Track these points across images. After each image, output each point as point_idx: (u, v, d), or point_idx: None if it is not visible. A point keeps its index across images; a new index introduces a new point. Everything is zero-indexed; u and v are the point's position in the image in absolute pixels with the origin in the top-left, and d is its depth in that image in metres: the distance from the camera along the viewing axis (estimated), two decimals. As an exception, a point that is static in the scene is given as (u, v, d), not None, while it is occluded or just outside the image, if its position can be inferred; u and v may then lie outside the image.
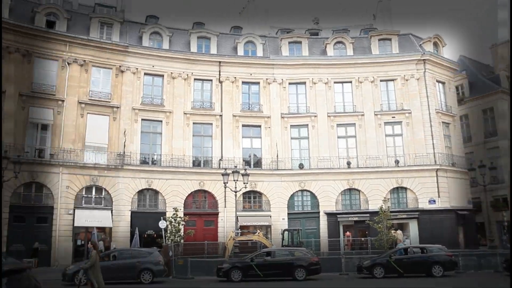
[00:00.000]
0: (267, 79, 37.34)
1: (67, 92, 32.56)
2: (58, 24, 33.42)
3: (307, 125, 36.83)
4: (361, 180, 35.38)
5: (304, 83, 37.65)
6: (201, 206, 34.76)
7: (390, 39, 38.61)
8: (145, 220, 32.01)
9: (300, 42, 38.66)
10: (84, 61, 33.37)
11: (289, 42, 38.61)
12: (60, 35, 32.86)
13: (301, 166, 35.92)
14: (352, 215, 34.80)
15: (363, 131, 36.44)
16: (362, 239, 32.42)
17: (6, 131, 29.85)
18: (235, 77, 36.89)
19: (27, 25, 32.05)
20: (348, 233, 34.48)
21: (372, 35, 39.01)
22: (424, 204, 34.57)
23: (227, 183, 28.36)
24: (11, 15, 31.89)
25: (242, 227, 32.15)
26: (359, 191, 35.64)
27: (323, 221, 34.97)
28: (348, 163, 35.83)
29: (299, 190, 35.78)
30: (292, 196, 35.71)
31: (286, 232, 31.82)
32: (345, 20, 48.76)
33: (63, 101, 32.34)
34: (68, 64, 32.90)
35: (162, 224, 28.64)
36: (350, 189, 35.77)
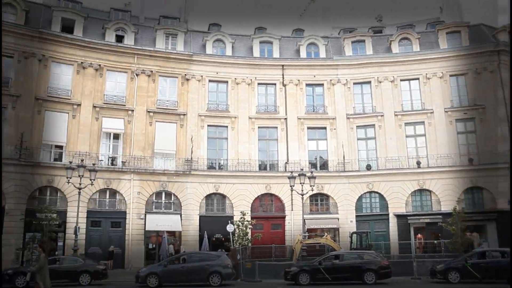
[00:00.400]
0: (331, 80, 36.86)
1: (136, 101, 33.93)
2: (126, 38, 34.97)
3: (374, 125, 35.92)
4: (432, 180, 33.88)
5: (369, 82, 36.79)
6: (268, 210, 34.85)
7: (459, 32, 36.75)
8: (213, 224, 32.57)
9: (363, 41, 37.85)
10: (151, 71, 34.63)
11: (352, 42, 37.91)
12: (128, 48, 34.40)
13: (368, 167, 35.08)
14: (424, 217, 33.43)
15: (433, 129, 34.92)
16: (435, 241, 30.96)
17: (82, 141, 31.75)
18: (298, 80, 36.74)
19: (98, 41, 33.84)
20: (419, 235, 33.12)
21: (440, 28, 37.32)
22: (503, 205, 32.22)
23: (293, 186, 28.28)
24: (84, 33, 33.91)
25: (309, 230, 31.86)
26: (430, 191, 34.15)
27: (393, 223, 33.87)
28: (418, 163, 34.51)
29: (367, 192, 34.91)
30: (360, 198, 34.92)
31: (354, 235, 31.14)
32: (409, 15, 47.08)
33: (132, 110, 33.71)
34: (137, 75, 34.28)
35: (230, 227, 29.02)
36: (420, 190, 34.35)
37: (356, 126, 36.15)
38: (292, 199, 33.28)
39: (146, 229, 31.87)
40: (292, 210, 33.85)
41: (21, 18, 32.17)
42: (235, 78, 36.20)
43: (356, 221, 34.27)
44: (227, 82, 36.30)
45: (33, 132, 30.83)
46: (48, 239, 26.86)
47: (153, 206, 33.01)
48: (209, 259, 22.46)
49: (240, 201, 33.66)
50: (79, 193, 26.70)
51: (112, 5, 38.98)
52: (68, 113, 32.35)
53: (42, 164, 30.69)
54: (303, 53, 37.82)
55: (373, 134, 35.92)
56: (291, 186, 28.44)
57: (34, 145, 30.61)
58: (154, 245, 32.35)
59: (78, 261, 22.99)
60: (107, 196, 32.29)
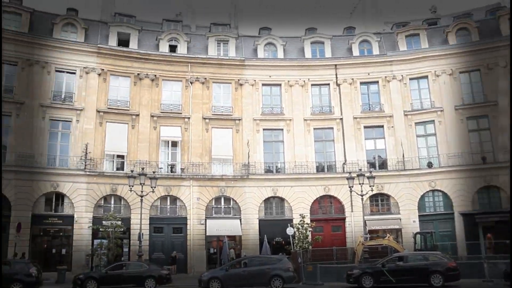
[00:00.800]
0: (386, 77, 35.98)
1: (192, 109, 34.59)
2: (179, 47, 35.79)
3: (433, 120, 34.63)
4: (500, 176, 32.11)
5: (426, 77, 35.55)
6: (328, 212, 34.44)
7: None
8: (273, 227, 32.59)
9: (417, 34, 36.64)
10: (205, 78, 35.20)
11: (406, 36, 36.81)
12: (181, 57, 35.20)
13: (429, 165, 33.88)
14: (493, 215, 31.58)
15: (496, 122, 33.14)
16: (507, 241, 29.28)
17: (142, 150, 32.74)
18: (352, 79, 36.13)
19: (153, 52, 34.89)
20: (489, 235, 31.51)
21: (501, 14, 35.14)
22: None
23: (352, 187, 27.81)
24: (139, 45, 35.08)
25: (370, 231, 31.14)
26: (498, 188, 32.39)
27: (459, 223, 32.42)
28: (483, 158, 32.89)
29: (430, 190, 33.67)
30: (422, 197, 33.73)
31: (418, 235, 30.14)
32: (466, 3, 45.10)
33: (189, 118, 34.39)
34: (191, 83, 34.96)
35: (289, 231, 28.91)
36: (487, 187, 32.64)
37: (415, 123, 35.00)
38: (351, 200, 32.72)
39: (207, 234, 32.40)
40: (352, 211, 33.27)
41: (81, 36, 33.74)
42: (288, 81, 36.10)
43: (419, 221, 33.10)
44: (280, 85, 36.27)
45: (96, 143, 32.15)
46: (114, 245, 27.85)
47: (213, 211, 33.47)
48: (270, 262, 22.51)
49: (299, 204, 33.47)
50: (141, 200, 27.50)
51: (164, 17, 40.00)
52: (127, 123, 33.46)
53: (106, 173, 31.94)
54: (355, 51, 37.17)
55: (433, 130, 34.65)
56: (350, 187, 27.95)
57: (98, 156, 31.91)
58: (215, 250, 32.79)
59: (143, 266, 23.71)
60: (168, 203, 33.09)
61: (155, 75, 34.54)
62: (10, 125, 30.53)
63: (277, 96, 36.37)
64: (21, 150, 30.09)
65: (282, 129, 35.58)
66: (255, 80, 35.93)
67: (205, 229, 32.44)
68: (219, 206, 33.72)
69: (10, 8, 32.38)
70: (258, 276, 21.63)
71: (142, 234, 27.93)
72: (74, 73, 32.99)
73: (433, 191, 33.67)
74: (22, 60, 31.52)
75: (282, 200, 34.11)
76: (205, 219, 32.72)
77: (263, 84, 36.20)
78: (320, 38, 37.54)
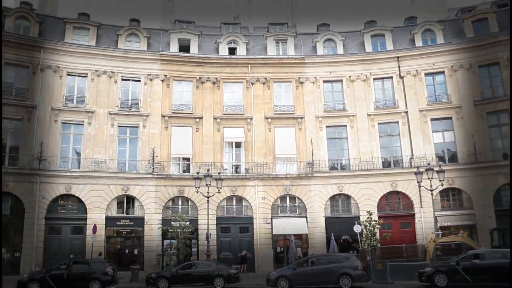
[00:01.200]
0: (452, 66, 34.40)
1: (254, 109, 34.84)
2: (238, 49, 36.20)
3: (506, 109, 32.62)
4: None
5: (497, 63, 33.58)
6: (396, 208, 33.43)
7: None
8: (340, 225, 32.19)
9: (485, 19, 34.60)
10: (266, 78, 35.35)
11: (473, 21, 34.94)
12: (241, 59, 35.56)
13: (505, 156, 31.89)
14: None
15: None
16: None
17: (207, 152, 33.39)
18: (416, 70, 34.86)
19: (213, 55, 35.54)
20: None
21: None
22: None
23: (421, 182, 26.94)
24: (199, 50, 35.85)
25: (442, 228, 29.87)
26: None
27: (542, 217, 30.41)
28: None
29: (506, 184, 31.70)
30: (498, 191, 31.86)
31: (495, 232, 28.55)
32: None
33: (251, 118, 34.67)
34: (252, 84, 35.23)
35: (357, 228, 28.43)
36: None
37: (486, 113, 33.12)
38: (420, 196, 31.66)
39: (273, 233, 32.52)
40: (421, 207, 32.14)
41: (144, 44, 34.99)
42: (349, 76, 35.47)
43: (496, 216, 31.32)
44: (341, 81, 35.72)
45: (162, 147, 33.19)
46: (183, 245, 28.60)
47: (279, 210, 33.51)
48: (337, 261, 22.26)
49: (366, 201, 32.78)
50: (208, 201, 28.06)
51: (222, 20, 40.60)
52: (191, 126, 34.27)
53: (173, 176, 32.88)
54: (418, 42, 35.79)
55: (507, 120, 32.64)
56: (418, 182, 27.06)
57: (164, 159, 32.91)
58: (282, 249, 32.80)
59: (212, 265, 24.18)
60: (234, 203, 33.53)
61: (216, 78, 35.12)
62: (83, 133, 32.23)
63: (338, 92, 35.83)
64: (94, 156, 31.66)
65: (345, 126, 34.99)
66: (315, 78, 35.60)
67: (271, 228, 32.58)
68: (284, 205, 33.72)
69: (79, 23, 34.24)
70: (326, 275, 21.47)
71: (210, 234, 28.50)
72: (139, 80, 34.27)
73: (510, 184, 31.70)
74: (91, 71, 33.17)
75: (348, 197, 33.57)
76: (271, 218, 32.84)
77: (324, 81, 35.80)
78: (380, 31, 36.57)
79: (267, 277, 22.52)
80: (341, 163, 34.70)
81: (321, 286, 21.30)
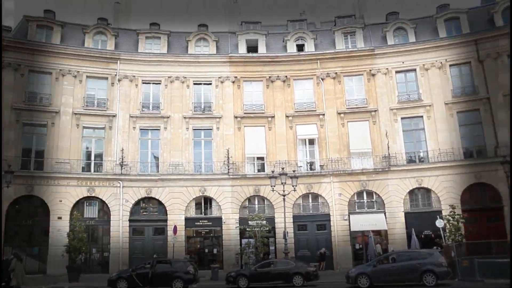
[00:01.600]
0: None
1: (326, 105, 34.41)
2: (306, 46, 35.96)
3: None
4: None
5: None
6: (481, 201, 31.42)
7: None
8: (420, 220, 30.91)
9: None
10: (336, 73, 34.80)
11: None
12: (310, 55, 35.26)
13: None
14: None
15: None
16: None
17: (280, 150, 33.53)
18: (497, 53, 32.51)
19: (282, 54, 35.57)
20: None
21: None
22: None
23: (509, 172, 25.14)
24: (268, 49, 36.05)
25: (536, 220, 27.84)
26: None
27: None
28: None
29: None
30: None
31: None
32: None
33: (323, 114, 34.28)
34: (322, 79, 34.82)
35: (439, 223, 27.13)
36: None
37: None
38: (510, 187, 29.54)
39: (351, 229, 31.92)
40: (511, 200, 30.08)
41: (213, 48, 35.75)
42: (423, 64, 33.97)
43: None
44: (415, 70, 34.32)
45: (236, 148, 33.69)
46: (261, 244, 28.83)
47: (356, 206, 32.86)
48: (420, 257, 21.35)
49: (447, 194, 31.25)
50: (284, 199, 28.06)
51: (288, 18, 40.50)
52: (264, 126, 34.49)
53: (248, 176, 33.27)
54: (498, 21, 33.40)
55: None
56: (506, 172, 25.32)
57: (239, 159, 33.38)
58: (360, 245, 32.10)
59: (290, 263, 24.12)
60: (310, 200, 33.32)
61: (286, 76, 35.08)
62: (160, 138, 33.54)
63: (412, 82, 34.48)
64: (171, 160, 32.82)
65: (421, 116, 33.58)
66: (387, 69, 34.50)
67: (349, 225, 32.00)
68: (361, 200, 32.99)
69: (151, 33, 35.69)
70: (408, 272, 20.66)
71: (287, 232, 28.52)
72: (210, 83, 35.04)
73: None
74: (164, 78, 34.41)
75: (428, 191, 32.19)
76: (348, 215, 32.27)
77: (396, 72, 34.59)
78: (454, 14, 34.69)
79: (346, 275, 22.11)
80: (419, 156, 33.34)
81: (403, 283, 20.56)
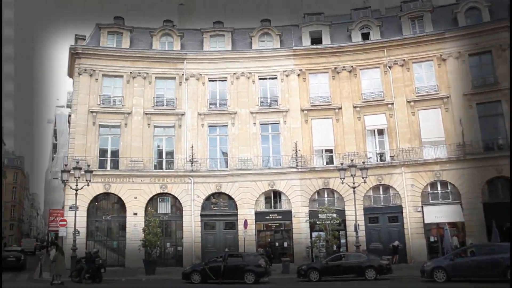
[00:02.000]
0: None
1: (395, 94, 33.41)
2: (372, 34, 35.11)
3: None
4: None
5: None
6: None
7: None
8: (501, 211, 28.77)
9: None
10: (404, 60, 33.64)
11: None
12: (376, 43, 34.33)
13: None
14: None
15: None
16: None
17: (349, 142, 33.03)
18: None
19: (347, 43, 34.98)
20: None
21: None
22: None
23: None
24: (332, 40, 35.62)
25: None
26: None
27: None
28: None
29: None
30: None
31: None
32: None
33: (392, 104, 33.31)
34: (389, 67, 33.81)
35: (523, 214, 25.47)
36: None
37: None
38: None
39: (425, 221, 30.80)
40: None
41: (277, 42, 35.84)
42: (500, 45, 31.75)
43: None
44: (490, 51, 32.31)
45: (304, 141, 33.53)
46: (331, 237, 28.53)
47: (429, 197, 31.63)
48: (503, 251, 19.95)
49: (532, 183, 29.24)
50: (354, 192, 27.60)
51: (351, 7, 39.61)
52: (331, 117, 34.05)
53: (317, 169, 33.03)
54: None
55: None
56: None
57: (307, 152, 33.22)
58: (435, 238, 30.81)
59: (362, 256, 23.76)
60: (381, 192, 32.56)
61: (352, 66, 34.39)
62: (227, 134, 34.09)
63: (488, 65, 32.51)
64: (239, 155, 33.29)
65: (499, 101, 31.52)
66: (459, 52, 32.78)
67: (423, 217, 30.88)
68: (435, 191, 31.69)
69: (215, 31, 36.34)
70: (489, 266, 19.44)
71: (358, 225, 28.09)
72: (275, 78, 35.10)
73: None
74: (230, 75, 34.91)
75: (507, 180, 30.27)
76: (422, 206, 31.13)
77: (469, 55, 32.78)
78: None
79: (421, 268, 21.37)
80: (497, 143, 31.44)
81: (484, 279, 19.46)
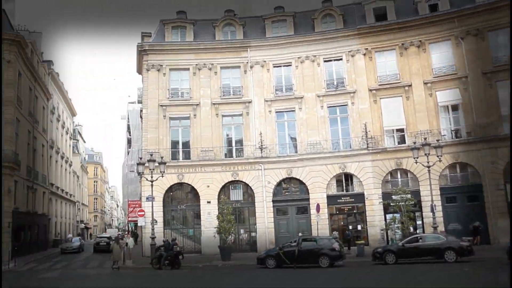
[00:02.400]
0: None
1: (468, 67, 31.78)
2: (440, 5, 33.34)
3: None
4: None
5: None
6: None
7: None
8: None
9: None
10: (477, 29, 31.58)
11: None
12: (445, 14, 32.56)
13: None
14: None
15: None
16: None
17: (421, 120, 31.87)
18: None
19: (414, 17, 33.58)
20: None
21: None
22: None
23: None
24: (397, 15, 34.21)
25: None
26: None
27: None
28: None
29: None
30: None
31: None
32: None
33: (466, 77, 31.78)
34: (461, 38, 32.02)
35: None
36: None
37: None
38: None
39: (509, 200, 29.03)
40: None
41: (340, 23, 35.01)
42: None
43: None
44: None
45: (373, 121, 32.75)
46: (407, 218, 27.72)
47: (514, 174, 29.82)
48: None
49: None
50: (429, 171, 26.65)
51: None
52: (401, 96, 32.96)
53: (388, 149, 32.21)
54: None
55: None
56: None
57: (377, 133, 32.41)
58: (523, 218, 29.07)
59: (440, 238, 22.95)
60: (458, 170, 31.22)
61: (420, 41, 32.98)
62: (295, 119, 33.99)
63: None
64: (308, 139, 33.08)
65: None
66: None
67: (506, 195, 29.14)
68: (520, 167, 29.83)
69: (276, 17, 36.23)
70: None
71: (435, 205, 27.16)
72: (341, 59, 34.42)
73: None
74: (294, 59, 34.63)
75: None
76: (504, 184, 29.38)
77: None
78: None
79: (507, 249, 20.24)
80: None
81: None
